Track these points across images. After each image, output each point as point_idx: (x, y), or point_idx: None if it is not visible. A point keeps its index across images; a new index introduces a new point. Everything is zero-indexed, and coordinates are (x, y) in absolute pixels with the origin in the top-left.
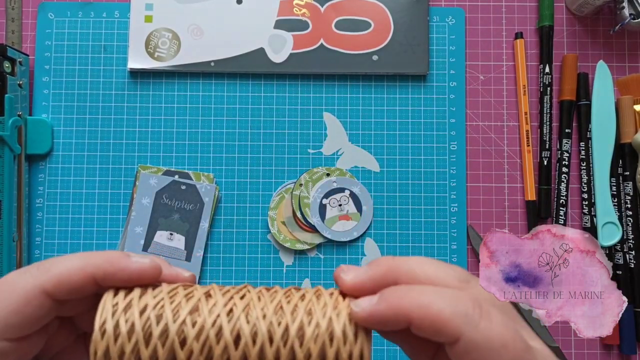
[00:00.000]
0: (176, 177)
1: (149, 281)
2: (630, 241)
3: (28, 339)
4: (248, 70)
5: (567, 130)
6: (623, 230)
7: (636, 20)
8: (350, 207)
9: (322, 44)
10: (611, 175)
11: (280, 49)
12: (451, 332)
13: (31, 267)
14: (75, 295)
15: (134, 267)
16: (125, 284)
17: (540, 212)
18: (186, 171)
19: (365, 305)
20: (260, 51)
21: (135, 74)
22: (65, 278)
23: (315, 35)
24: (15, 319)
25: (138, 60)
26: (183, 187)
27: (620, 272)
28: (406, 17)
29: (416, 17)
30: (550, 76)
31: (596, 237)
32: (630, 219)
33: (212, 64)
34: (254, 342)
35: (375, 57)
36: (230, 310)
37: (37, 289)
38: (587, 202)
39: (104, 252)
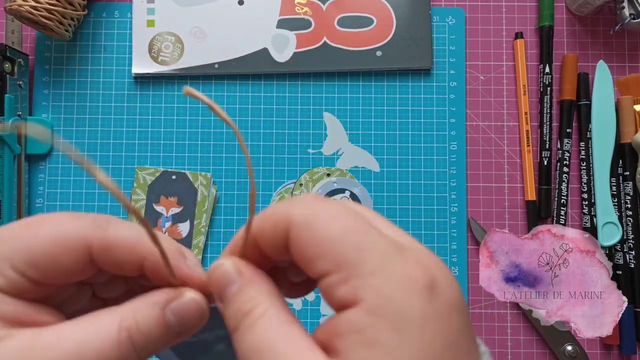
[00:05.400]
0: (173, 177)
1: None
2: (630, 241)
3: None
4: (252, 71)
5: (567, 130)
6: (623, 230)
7: (636, 20)
8: None
9: (325, 41)
10: (611, 175)
11: (284, 48)
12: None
13: (87, 215)
14: (116, 271)
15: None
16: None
17: (540, 212)
18: (184, 172)
19: None
20: (264, 51)
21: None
22: (118, 248)
23: (318, 33)
24: (42, 260)
25: (142, 65)
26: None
27: (620, 272)
28: (408, 11)
29: (418, 11)
30: (550, 76)
31: (596, 237)
32: (630, 219)
33: (217, 65)
34: None
35: (379, 53)
36: None
37: (81, 242)
38: (587, 202)
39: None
